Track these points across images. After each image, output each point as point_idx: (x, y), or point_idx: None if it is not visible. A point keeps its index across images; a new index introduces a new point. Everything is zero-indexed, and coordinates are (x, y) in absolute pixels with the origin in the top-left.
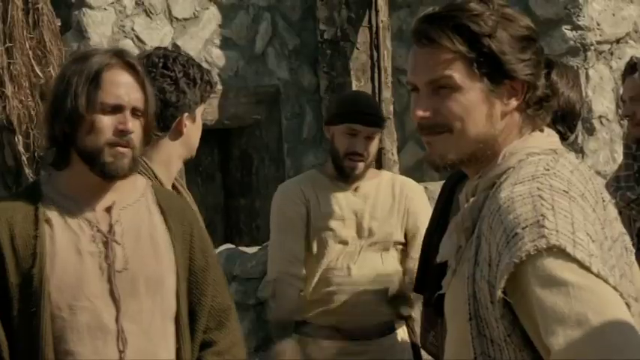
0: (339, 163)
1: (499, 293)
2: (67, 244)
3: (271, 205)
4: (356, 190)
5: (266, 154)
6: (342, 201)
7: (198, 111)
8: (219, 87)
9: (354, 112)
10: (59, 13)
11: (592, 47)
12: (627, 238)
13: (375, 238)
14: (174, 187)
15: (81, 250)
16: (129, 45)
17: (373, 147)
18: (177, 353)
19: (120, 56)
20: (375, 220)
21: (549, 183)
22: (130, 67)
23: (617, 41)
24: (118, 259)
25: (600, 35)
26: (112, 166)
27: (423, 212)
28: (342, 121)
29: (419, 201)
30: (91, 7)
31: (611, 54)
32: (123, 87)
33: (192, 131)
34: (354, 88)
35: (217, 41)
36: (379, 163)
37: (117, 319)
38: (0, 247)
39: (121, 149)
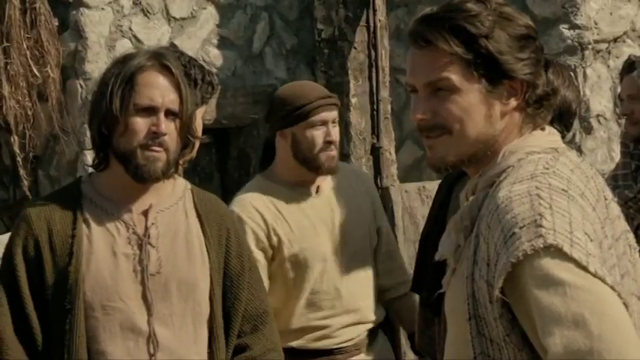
0: (314, 158)
1: (497, 293)
2: (103, 245)
3: None
4: (317, 191)
5: None
6: (308, 209)
7: (199, 112)
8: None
9: (319, 100)
10: (56, 13)
11: (589, 46)
12: (631, 236)
13: (353, 246)
14: None
15: (116, 251)
16: (126, 45)
17: (338, 132)
18: (210, 357)
19: (157, 58)
20: (348, 224)
21: (548, 182)
22: (165, 69)
23: (615, 40)
24: (152, 262)
25: (598, 34)
26: (145, 169)
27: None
28: (309, 114)
29: (376, 191)
30: (88, 7)
31: (609, 53)
32: (157, 89)
33: None
34: (351, 87)
35: (215, 41)
36: (377, 163)
37: (149, 322)
38: (38, 245)
39: (154, 152)
